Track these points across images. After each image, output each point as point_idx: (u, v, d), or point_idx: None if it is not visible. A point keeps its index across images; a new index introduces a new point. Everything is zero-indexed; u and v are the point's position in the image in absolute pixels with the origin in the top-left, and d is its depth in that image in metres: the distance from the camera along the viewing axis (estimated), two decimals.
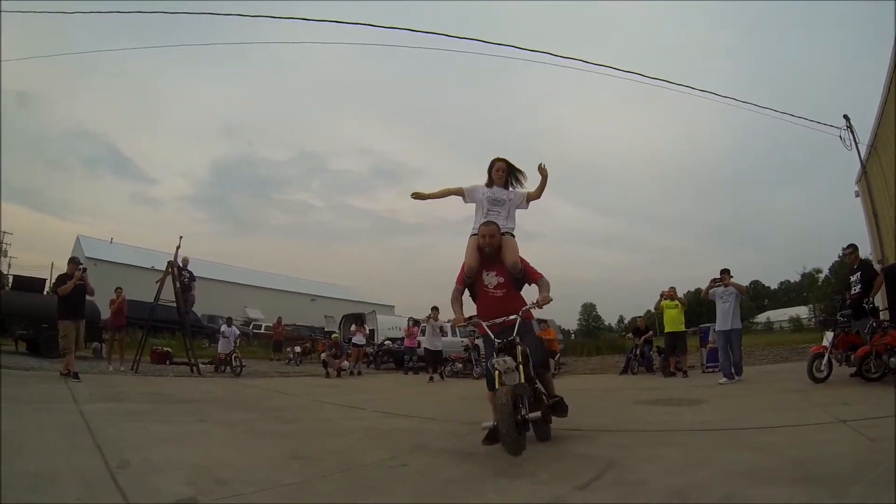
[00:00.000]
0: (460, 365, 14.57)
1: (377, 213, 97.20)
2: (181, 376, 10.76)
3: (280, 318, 23.12)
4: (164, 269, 11.89)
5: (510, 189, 4.43)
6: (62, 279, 8.75)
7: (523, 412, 3.40)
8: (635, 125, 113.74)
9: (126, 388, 7.81)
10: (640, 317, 14.73)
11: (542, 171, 4.31)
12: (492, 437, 3.76)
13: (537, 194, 4.43)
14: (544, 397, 4.03)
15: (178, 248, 11.74)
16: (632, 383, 10.27)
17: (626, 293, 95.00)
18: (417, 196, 4.44)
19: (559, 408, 4.13)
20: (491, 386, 3.82)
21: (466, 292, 4.31)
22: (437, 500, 2.67)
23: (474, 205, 4.41)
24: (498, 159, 4.38)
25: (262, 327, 29.43)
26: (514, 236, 4.27)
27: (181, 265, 12.01)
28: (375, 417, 6.00)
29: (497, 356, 3.63)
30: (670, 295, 11.41)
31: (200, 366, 11.92)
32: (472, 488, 2.75)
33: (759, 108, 13.28)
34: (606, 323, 70.61)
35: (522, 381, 3.53)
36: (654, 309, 12.02)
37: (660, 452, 3.55)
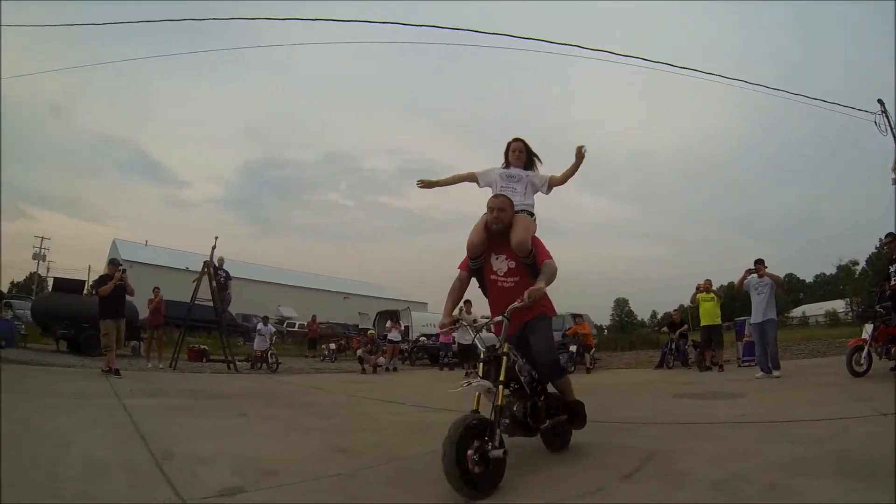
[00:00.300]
0: None
1: (409, 212, 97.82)
2: (218, 373, 11.01)
3: (314, 315, 23.46)
4: (198, 269, 12.18)
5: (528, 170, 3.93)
6: (103, 280, 9.04)
7: (488, 447, 2.58)
8: (660, 115, 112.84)
9: (166, 385, 8.00)
10: (674, 310, 14.53)
11: (580, 153, 3.72)
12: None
13: (563, 179, 3.79)
14: (555, 408, 3.36)
15: (213, 248, 11.96)
16: (667, 377, 10.14)
17: (658, 288, 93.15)
18: (425, 184, 3.97)
19: (576, 416, 3.44)
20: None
21: (475, 283, 3.65)
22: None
23: (489, 190, 3.88)
24: (515, 139, 3.88)
25: (296, 325, 29.92)
26: (532, 215, 3.60)
27: (217, 265, 12.19)
28: (414, 412, 5.97)
29: (478, 370, 2.99)
30: (706, 287, 11.13)
31: (237, 363, 12.13)
32: (515, 479, 2.77)
33: (790, 96, 12.72)
34: (639, 318, 70.00)
35: (499, 403, 2.76)
36: (690, 302, 11.66)
37: (700, 444, 3.58)
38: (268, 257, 69.58)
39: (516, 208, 3.45)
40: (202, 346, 14.61)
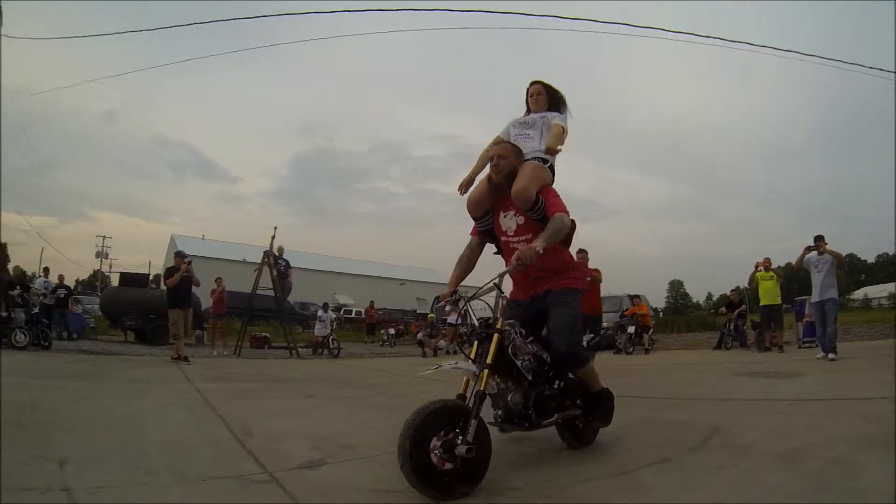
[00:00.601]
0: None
1: (461, 197, 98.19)
2: (281, 359, 11.32)
3: (372, 301, 23.90)
4: (254, 261, 12.55)
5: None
6: (170, 272, 9.42)
7: (457, 441, 2.13)
8: (712, 92, 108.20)
9: (233, 370, 8.33)
10: (731, 291, 14.37)
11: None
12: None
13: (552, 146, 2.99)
14: (572, 398, 2.84)
15: (272, 237, 12.08)
16: (727, 358, 9.90)
17: (713, 269, 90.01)
18: (465, 186, 3.14)
19: (597, 408, 2.89)
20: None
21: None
22: (549, 463, 2.71)
23: None
24: (533, 82, 3.30)
25: (353, 313, 30.68)
26: (547, 163, 2.94)
27: (277, 254, 12.35)
28: None
29: (468, 349, 2.55)
30: (765, 266, 10.88)
31: (299, 349, 12.41)
32: (582, 452, 2.84)
33: (846, 65, 11.79)
34: (695, 300, 68.33)
35: (482, 388, 2.29)
36: (748, 285, 11.53)
37: (762, 420, 3.59)
38: (322, 247, 71.37)
39: (530, 156, 2.91)
40: (264, 334, 15.11)
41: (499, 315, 2.53)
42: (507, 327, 2.49)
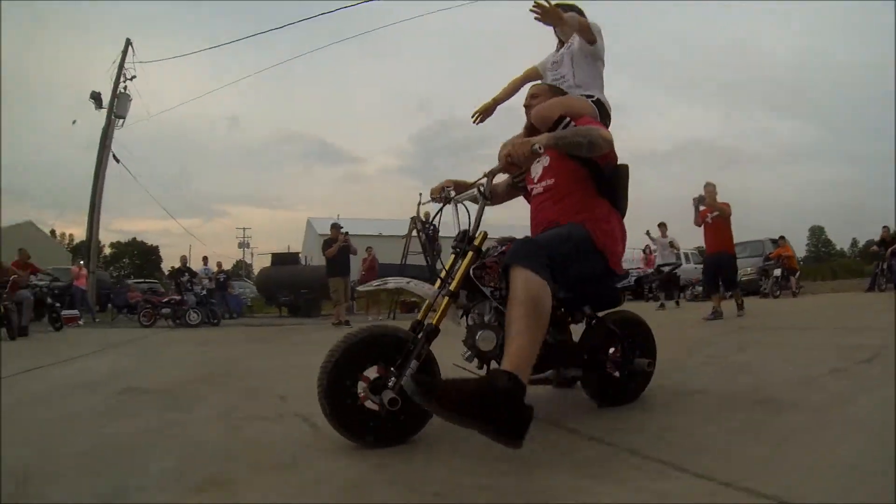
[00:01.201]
0: (700, 288, 13.41)
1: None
2: None
3: None
4: (392, 234, 12.91)
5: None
6: (328, 243, 10.05)
7: (389, 382, 1.74)
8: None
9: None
10: (883, 227, 13.17)
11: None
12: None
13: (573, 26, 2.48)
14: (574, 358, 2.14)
15: (419, 203, 12.53)
16: (882, 299, 9.18)
17: (857, 214, 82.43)
18: (482, 114, 2.81)
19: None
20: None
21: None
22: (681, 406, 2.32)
23: None
24: (558, 4, 2.56)
25: None
26: (591, 98, 2.41)
27: (424, 219, 12.79)
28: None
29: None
30: None
31: None
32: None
33: None
34: (838, 247, 63.27)
35: (434, 321, 1.81)
36: None
37: None
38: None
39: (554, 88, 2.39)
40: (413, 299, 15.79)
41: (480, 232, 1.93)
42: (495, 246, 1.98)
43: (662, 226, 11.26)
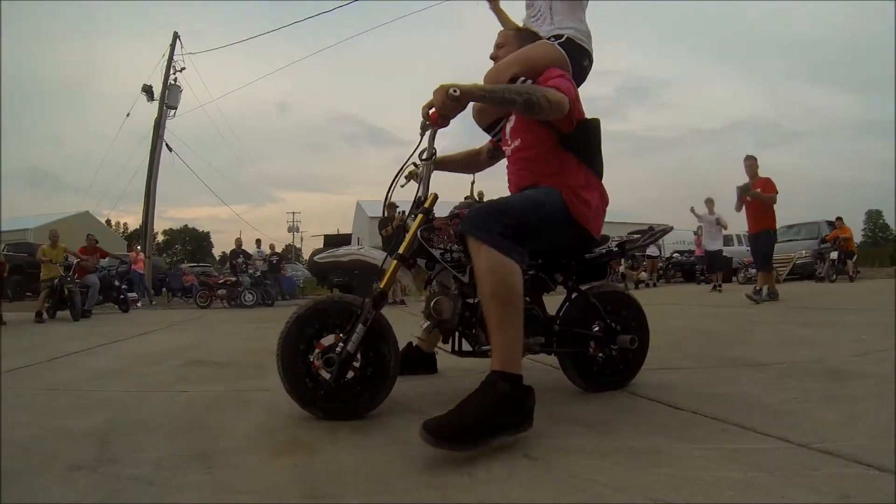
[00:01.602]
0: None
1: (632, 133, 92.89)
2: None
3: None
4: (442, 214, 13.17)
5: None
6: (384, 223, 10.32)
7: (335, 350, 1.72)
8: None
9: None
10: None
11: None
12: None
13: None
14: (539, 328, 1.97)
15: (472, 182, 12.66)
16: None
17: None
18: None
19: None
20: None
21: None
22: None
23: None
24: None
25: None
26: (561, 40, 2.20)
27: (478, 198, 12.92)
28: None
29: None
30: None
31: None
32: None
33: None
34: None
35: (381, 285, 1.79)
36: None
37: None
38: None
39: (546, 36, 2.22)
40: None
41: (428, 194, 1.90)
42: (455, 212, 1.90)
43: (710, 202, 10.77)
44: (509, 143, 2.06)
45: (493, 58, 2.14)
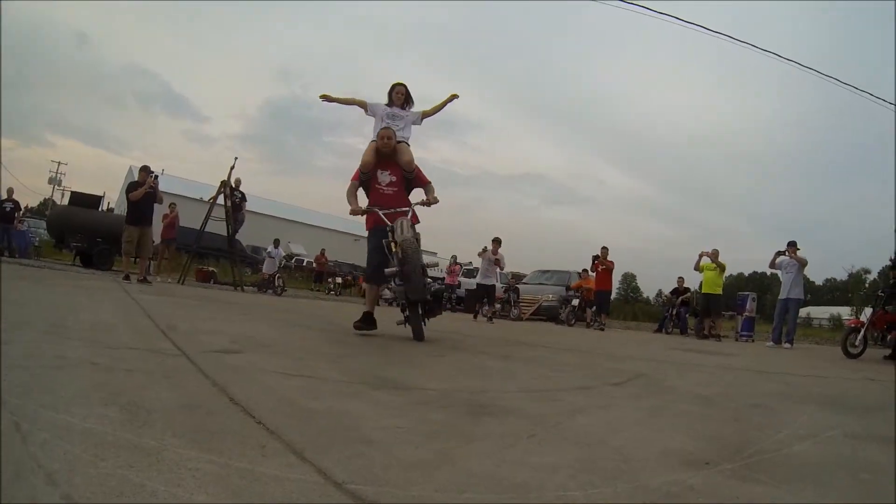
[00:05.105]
0: (499, 306, 16.21)
1: (430, 163, 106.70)
2: (225, 291, 12.81)
3: (323, 249, 27.50)
4: (211, 198, 14.30)
5: (406, 109, 5.79)
6: (133, 186, 10.51)
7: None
8: (698, 93, 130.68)
9: (174, 291, 9.87)
10: (679, 277, 16.88)
11: (451, 97, 6.03)
12: (367, 321, 5.33)
13: (432, 112, 5.90)
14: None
15: (232, 167, 13.87)
16: (665, 339, 12.54)
17: (668, 269, 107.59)
18: (326, 98, 5.83)
19: (434, 309, 5.46)
20: (375, 279, 5.60)
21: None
22: (486, 376, 3.71)
23: (374, 120, 5.74)
24: (398, 84, 5.78)
25: (304, 262, 35.62)
26: (408, 145, 5.55)
27: (234, 185, 13.96)
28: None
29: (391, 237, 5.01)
30: (712, 256, 13.48)
31: (244, 287, 14.20)
32: (514, 377, 3.75)
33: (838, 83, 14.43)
34: (645, 295, 77.04)
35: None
36: (694, 268, 13.92)
37: (688, 374, 4.71)
38: (282, 195, 79.14)
39: (398, 139, 5.46)
40: (210, 269, 17.86)
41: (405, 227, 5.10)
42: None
43: (496, 242, 13.80)
44: (384, 185, 5.46)
45: (386, 143, 5.38)
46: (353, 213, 5.38)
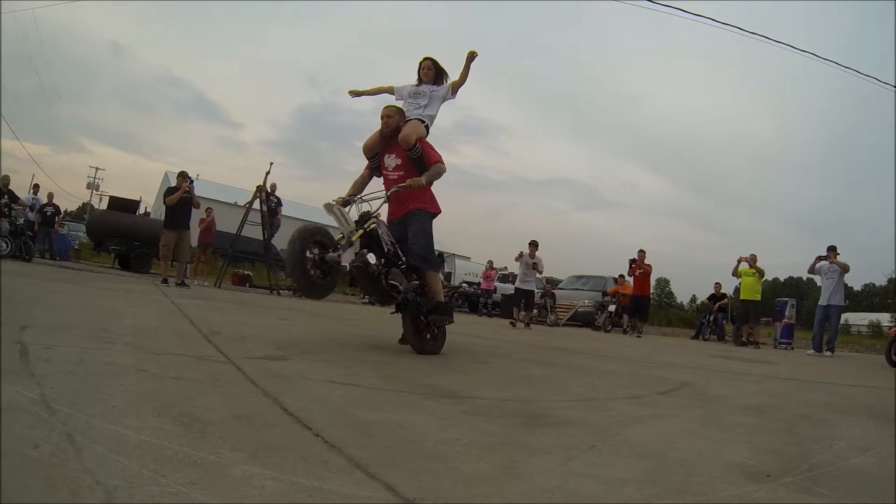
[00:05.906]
0: (535, 311, 15.79)
1: (460, 168, 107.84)
2: (261, 295, 12.86)
3: None
4: (247, 203, 14.25)
5: (437, 85, 5.35)
6: (170, 191, 10.82)
7: (327, 254, 4.19)
8: (727, 95, 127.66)
9: (212, 294, 9.84)
10: (716, 283, 16.63)
11: (469, 55, 5.33)
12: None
13: (461, 80, 5.33)
14: (426, 301, 4.69)
15: (267, 173, 13.84)
16: (703, 345, 12.56)
17: (703, 274, 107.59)
18: (354, 93, 5.58)
19: (440, 310, 4.76)
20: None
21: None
22: (530, 383, 3.83)
23: (402, 103, 5.39)
24: (425, 58, 5.40)
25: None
26: (423, 122, 5.05)
27: (269, 190, 14.02)
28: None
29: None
30: (750, 261, 13.42)
31: (280, 290, 13.80)
32: (563, 386, 3.87)
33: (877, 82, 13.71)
34: (679, 300, 76.04)
35: (355, 237, 4.26)
36: (732, 274, 13.88)
37: (733, 384, 4.80)
38: (318, 200, 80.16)
39: (415, 115, 5.04)
40: (246, 272, 17.29)
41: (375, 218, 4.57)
42: (376, 220, 4.52)
43: (532, 245, 13.63)
44: (391, 170, 4.91)
45: (385, 122, 4.88)
46: (335, 201, 4.74)
